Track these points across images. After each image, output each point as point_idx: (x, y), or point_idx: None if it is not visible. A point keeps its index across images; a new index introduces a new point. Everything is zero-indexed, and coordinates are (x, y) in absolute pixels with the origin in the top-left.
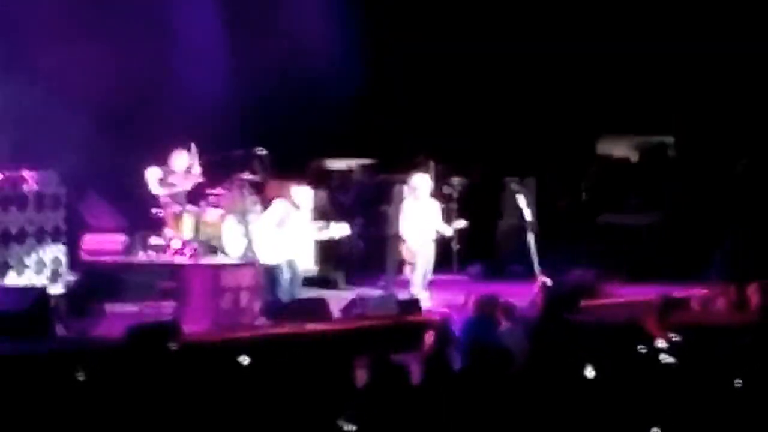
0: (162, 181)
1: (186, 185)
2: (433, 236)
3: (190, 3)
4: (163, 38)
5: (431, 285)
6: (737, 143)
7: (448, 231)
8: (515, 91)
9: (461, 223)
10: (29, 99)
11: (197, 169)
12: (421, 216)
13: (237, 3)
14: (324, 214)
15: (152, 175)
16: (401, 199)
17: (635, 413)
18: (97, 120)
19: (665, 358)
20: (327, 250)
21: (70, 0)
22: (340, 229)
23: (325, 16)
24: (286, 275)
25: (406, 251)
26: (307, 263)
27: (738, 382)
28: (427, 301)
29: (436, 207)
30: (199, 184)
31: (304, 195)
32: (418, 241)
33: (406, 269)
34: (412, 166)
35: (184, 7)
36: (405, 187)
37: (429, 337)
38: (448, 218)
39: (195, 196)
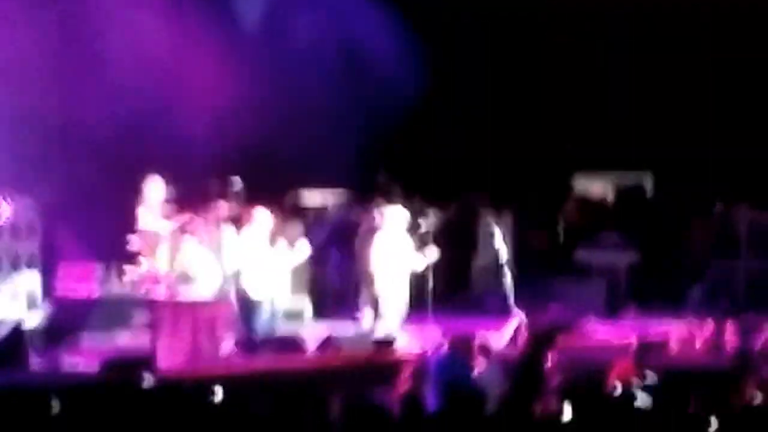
0: (143, 211)
1: (164, 222)
2: (407, 271)
3: (168, 35)
4: (138, 69)
5: (407, 321)
6: (714, 180)
7: (421, 263)
8: (493, 124)
9: (432, 253)
10: (4, 126)
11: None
12: (394, 250)
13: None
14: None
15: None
16: (374, 233)
17: None
18: (72, 148)
19: (642, 400)
20: (301, 283)
21: (46, 29)
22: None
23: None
24: (265, 310)
25: (378, 287)
26: (282, 294)
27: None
28: (402, 338)
29: (409, 241)
30: (176, 215)
31: (264, 216)
32: (391, 276)
33: (380, 305)
34: (387, 200)
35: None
36: (377, 220)
37: (405, 376)
38: (421, 251)
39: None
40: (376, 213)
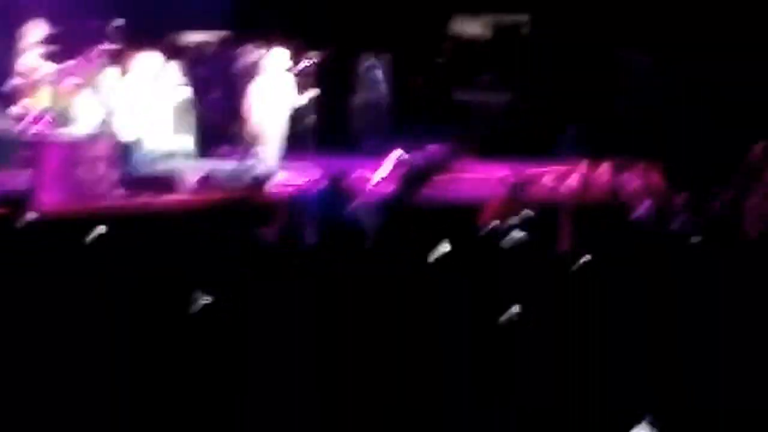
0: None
1: (43, 62)
2: (287, 111)
3: None
4: None
5: (287, 160)
6: (592, 24)
7: (302, 101)
8: None
9: (313, 92)
10: None
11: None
12: (275, 90)
13: None
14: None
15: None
16: (256, 73)
17: (483, 292)
18: None
19: (517, 234)
20: (182, 122)
21: None
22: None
23: None
24: (143, 149)
25: (258, 126)
26: (164, 134)
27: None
28: (281, 176)
29: (291, 82)
30: (56, 54)
31: (153, 63)
32: (273, 115)
33: (260, 143)
34: (267, 41)
35: None
36: (260, 61)
37: (282, 212)
38: (301, 92)
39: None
40: (257, 52)
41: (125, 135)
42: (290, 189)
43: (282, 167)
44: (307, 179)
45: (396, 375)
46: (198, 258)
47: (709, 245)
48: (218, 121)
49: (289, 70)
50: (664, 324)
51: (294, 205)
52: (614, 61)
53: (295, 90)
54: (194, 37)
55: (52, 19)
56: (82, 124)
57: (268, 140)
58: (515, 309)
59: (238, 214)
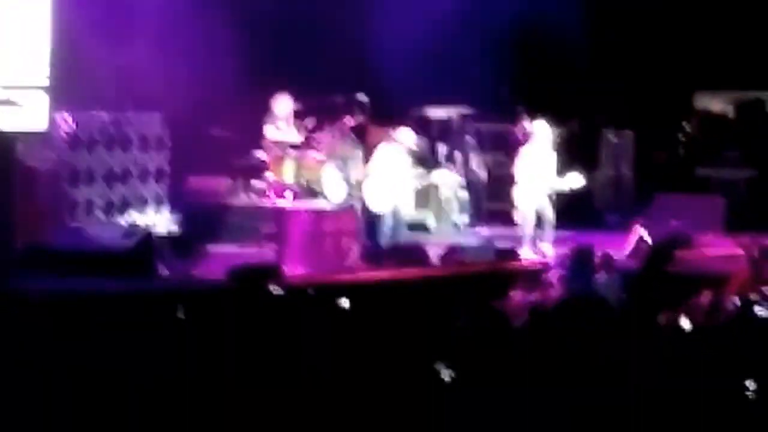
0: (271, 126)
1: (292, 133)
2: (549, 190)
3: None
4: None
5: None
6: None
7: (565, 186)
8: (616, 43)
9: (579, 180)
10: (135, 45)
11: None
12: (539, 165)
13: None
14: (423, 161)
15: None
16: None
17: (730, 365)
18: (199, 64)
19: (760, 311)
20: (425, 195)
21: None
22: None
23: None
24: (388, 222)
25: (519, 199)
26: (408, 208)
27: None
28: (525, 250)
29: (554, 158)
30: (302, 128)
31: (407, 137)
32: (534, 189)
33: (517, 217)
34: (510, 117)
35: None
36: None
37: (528, 285)
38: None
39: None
40: (522, 126)
41: (370, 208)
42: (535, 263)
43: (528, 242)
44: (552, 254)
45: None
46: (441, 329)
47: None
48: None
49: (548, 145)
50: None
51: (539, 279)
52: None
53: (553, 165)
54: (438, 113)
55: (298, 93)
56: (326, 197)
57: (524, 214)
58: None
59: (482, 288)
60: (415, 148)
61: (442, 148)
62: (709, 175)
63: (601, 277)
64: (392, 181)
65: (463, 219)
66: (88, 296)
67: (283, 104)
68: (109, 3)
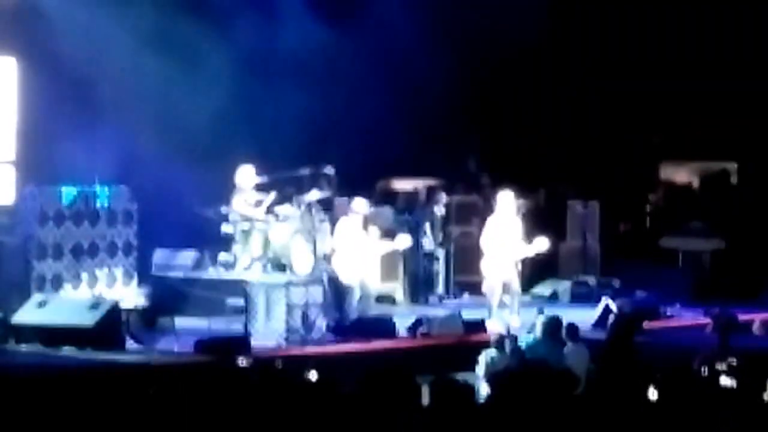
0: (239, 198)
1: (257, 209)
2: (515, 256)
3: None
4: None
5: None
6: None
7: (530, 252)
8: (581, 117)
9: (543, 244)
10: (103, 120)
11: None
12: (505, 235)
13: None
14: (390, 233)
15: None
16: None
17: None
18: (167, 138)
19: (725, 381)
20: (391, 267)
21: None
22: (404, 241)
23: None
24: (356, 294)
25: (487, 269)
26: (374, 280)
27: None
28: (492, 321)
29: (518, 226)
30: (268, 201)
31: (361, 206)
32: (498, 259)
33: (485, 287)
34: (476, 188)
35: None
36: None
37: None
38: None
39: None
40: (486, 197)
41: (338, 280)
42: (500, 335)
43: (494, 313)
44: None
45: None
46: (407, 404)
47: None
48: (427, 266)
49: (513, 215)
50: None
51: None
52: None
53: (519, 234)
54: (403, 185)
55: (264, 166)
56: (294, 270)
57: (491, 284)
58: None
59: (449, 360)
60: (368, 215)
61: (408, 219)
62: (675, 246)
63: (568, 348)
64: (357, 253)
65: (431, 290)
66: (55, 369)
67: (246, 175)
68: (74, 79)
